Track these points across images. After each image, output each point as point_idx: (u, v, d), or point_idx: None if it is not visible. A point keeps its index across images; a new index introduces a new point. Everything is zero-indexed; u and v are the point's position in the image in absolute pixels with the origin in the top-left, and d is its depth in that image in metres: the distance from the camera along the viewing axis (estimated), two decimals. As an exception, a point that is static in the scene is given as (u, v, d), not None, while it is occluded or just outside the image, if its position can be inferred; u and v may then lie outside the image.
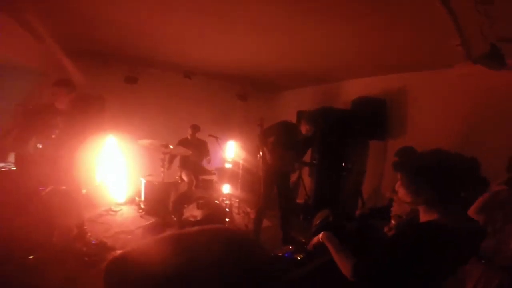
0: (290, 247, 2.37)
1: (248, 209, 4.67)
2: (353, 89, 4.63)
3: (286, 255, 2.12)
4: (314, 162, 4.57)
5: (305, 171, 5.00)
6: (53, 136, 2.87)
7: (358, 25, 2.77)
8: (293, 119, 4.74)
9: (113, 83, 4.75)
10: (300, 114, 5.10)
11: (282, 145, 3.46)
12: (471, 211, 1.88)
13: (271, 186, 3.57)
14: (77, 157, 3.16)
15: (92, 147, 3.71)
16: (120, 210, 4.32)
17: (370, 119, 3.98)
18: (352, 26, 2.81)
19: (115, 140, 4.71)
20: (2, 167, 2.94)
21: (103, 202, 4.36)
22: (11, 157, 2.97)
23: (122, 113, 4.71)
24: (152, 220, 3.89)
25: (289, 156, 3.52)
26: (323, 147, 4.32)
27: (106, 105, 4.46)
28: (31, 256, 2.49)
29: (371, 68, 4.13)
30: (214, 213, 3.74)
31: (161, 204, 4.03)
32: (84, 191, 3.40)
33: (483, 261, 1.87)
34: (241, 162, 4.63)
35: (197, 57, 4.37)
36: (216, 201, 3.99)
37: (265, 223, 3.60)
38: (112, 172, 4.68)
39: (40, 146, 2.90)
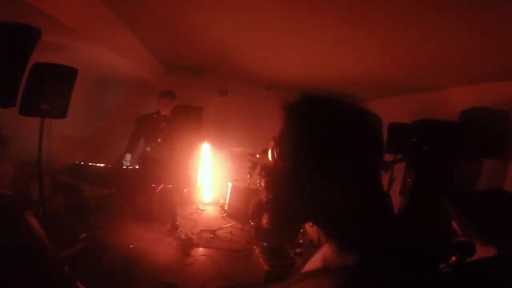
0: None
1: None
2: (460, 98, 3.87)
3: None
4: (408, 180, 4.00)
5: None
6: (159, 140, 3.42)
7: (467, 23, 2.32)
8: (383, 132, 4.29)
9: (208, 96, 5.33)
10: (392, 127, 4.58)
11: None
12: None
13: None
14: (181, 159, 3.67)
15: (192, 151, 4.26)
16: (206, 209, 4.78)
17: (486, 134, 3.22)
18: (454, 25, 2.38)
19: (208, 146, 5.26)
20: (129, 166, 3.59)
21: (194, 201, 4.93)
22: (127, 157, 3.59)
23: (215, 123, 5.25)
24: (231, 222, 4.16)
25: None
26: (421, 164, 3.73)
27: (203, 115, 5.12)
28: (132, 246, 2.82)
29: (483, 73, 3.37)
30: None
31: (242, 208, 4.26)
32: (185, 190, 3.89)
33: None
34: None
35: (279, 70, 4.50)
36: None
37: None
38: (203, 174, 5.24)
39: (149, 149, 3.51)
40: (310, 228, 4.29)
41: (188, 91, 4.85)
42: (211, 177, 5.29)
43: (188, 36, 3.48)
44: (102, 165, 3.92)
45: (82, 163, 3.86)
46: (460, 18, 2.24)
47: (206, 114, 5.15)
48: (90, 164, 3.93)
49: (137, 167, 3.80)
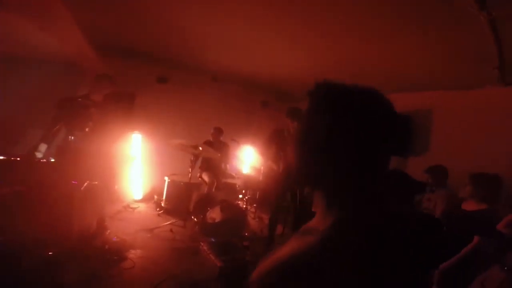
0: None
1: (263, 215, 4.58)
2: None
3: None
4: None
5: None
6: (87, 129, 2.86)
7: (392, 45, 2.77)
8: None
9: (146, 83, 4.79)
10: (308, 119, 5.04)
11: (283, 150, 3.42)
12: (500, 226, 1.99)
13: (282, 193, 3.51)
14: (110, 151, 3.16)
15: (123, 143, 3.72)
16: (138, 207, 4.28)
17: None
18: (383, 44, 2.80)
19: (140, 137, 4.70)
20: (42, 158, 2.91)
21: (122, 198, 4.33)
22: (41, 148, 2.93)
23: (151, 112, 4.73)
24: (170, 219, 3.82)
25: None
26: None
27: (136, 102, 4.52)
28: (50, 252, 2.41)
29: (396, 85, 4.07)
30: (234, 216, 3.67)
31: (182, 204, 3.96)
32: (116, 187, 3.37)
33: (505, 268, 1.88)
34: (261, 168, 4.56)
35: (225, 62, 4.39)
36: (239, 206, 3.91)
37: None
38: (134, 168, 4.65)
39: (72, 139, 2.90)
40: (253, 221, 4.32)
41: (124, 77, 4.25)
42: (143, 171, 4.75)
43: (127, 15, 3.04)
44: (2, 157, 3.05)
45: None
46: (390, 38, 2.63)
47: (141, 102, 4.59)
48: None
49: (52, 160, 3.09)
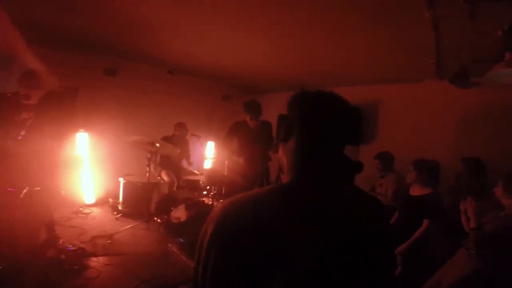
0: None
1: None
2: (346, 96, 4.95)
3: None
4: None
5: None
6: (20, 137, 2.49)
7: (346, 41, 2.98)
8: (274, 121, 4.81)
9: (91, 76, 4.32)
10: (280, 118, 5.19)
11: (246, 143, 3.51)
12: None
13: (251, 186, 3.58)
14: (51, 153, 2.80)
15: (66, 142, 3.32)
16: (91, 212, 3.90)
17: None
18: (338, 40, 3.02)
19: (87, 135, 4.25)
20: None
21: (69, 203, 3.88)
22: None
23: (99, 107, 4.29)
24: (131, 222, 3.57)
25: (258, 151, 3.58)
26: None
27: (80, 96, 4.05)
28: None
29: (346, 78, 4.41)
30: (201, 214, 3.60)
31: (141, 206, 3.72)
32: (62, 192, 3.00)
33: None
34: (226, 163, 4.54)
35: (182, 54, 4.18)
36: (205, 202, 3.83)
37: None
38: (81, 170, 4.20)
39: (9, 141, 2.49)
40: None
41: (66, 70, 3.76)
42: (94, 173, 4.32)
43: (69, 6, 2.69)
44: None
45: None
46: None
47: (86, 96, 4.14)
48: None
49: None
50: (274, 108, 5.13)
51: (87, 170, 4.29)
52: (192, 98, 5.54)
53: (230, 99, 5.99)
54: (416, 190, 2.70)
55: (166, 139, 4.26)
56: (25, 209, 2.54)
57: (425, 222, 2.47)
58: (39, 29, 3.45)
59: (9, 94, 2.60)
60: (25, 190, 2.53)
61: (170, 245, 2.95)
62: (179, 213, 3.56)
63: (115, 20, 3.09)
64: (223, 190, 4.69)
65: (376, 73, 4.06)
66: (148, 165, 3.79)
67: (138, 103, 4.80)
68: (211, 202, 4.34)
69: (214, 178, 4.69)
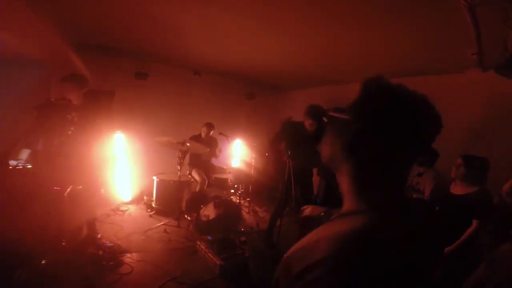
0: None
1: (257, 208, 4.59)
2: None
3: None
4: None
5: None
6: (70, 132, 2.70)
7: (372, 32, 2.81)
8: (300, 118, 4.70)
9: (124, 79, 4.56)
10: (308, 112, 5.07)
11: (294, 145, 3.39)
12: (505, 188, 2.11)
13: (289, 186, 3.49)
14: (94, 154, 3.01)
15: (106, 144, 3.54)
16: (128, 209, 4.14)
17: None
18: (364, 32, 2.85)
19: (123, 137, 4.51)
20: (17, 165, 2.73)
21: (108, 201, 4.16)
22: (23, 154, 2.76)
23: (132, 109, 4.53)
24: (163, 219, 3.73)
25: (305, 154, 3.45)
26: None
27: (115, 100, 4.31)
28: (43, 261, 2.32)
29: (381, 71, 4.13)
30: (229, 212, 3.65)
31: (173, 204, 3.86)
32: (102, 190, 3.22)
33: None
34: (252, 161, 4.55)
35: (207, 55, 4.26)
36: (232, 200, 3.88)
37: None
38: (119, 170, 4.48)
39: (55, 144, 2.73)
40: (247, 216, 4.31)
41: (100, 74, 4.01)
42: (130, 172, 4.58)
43: (99, 9, 2.85)
44: None
45: None
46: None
47: (121, 99, 4.38)
48: None
49: (29, 166, 2.90)
50: (298, 106, 5.05)
51: (123, 169, 4.56)
52: (218, 98, 5.63)
53: (254, 97, 5.98)
54: (459, 188, 2.47)
55: (195, 139, 4.36)
56: (69, 207, 2.77)
57: (475, 223, 2.25)
58: (76, 35, 3.71)
59: (60, 102, 2.83)
60: (69, 189, 2.75)
61: (198, 242, 3.02)
62: (208, 211, 3.64)
63: (145, 25, 3.23)
64: (250, 189, 4.72)
65: (411, 65, 3.77)
66: (179, 164, 3.90)
67: (168, 104, 4.98)
68: (238, 201, 4.40)
69: (241, 177, 4.73)
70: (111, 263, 2.56)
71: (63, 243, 2.66)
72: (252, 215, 4.34)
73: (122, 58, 4.50)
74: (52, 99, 2.82)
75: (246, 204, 4.62)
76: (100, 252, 2.67)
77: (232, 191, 4.65)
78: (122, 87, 4.46)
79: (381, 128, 0.56)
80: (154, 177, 4.24)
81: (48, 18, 3.05)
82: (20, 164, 2.80)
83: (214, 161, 4.80)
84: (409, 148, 0.58)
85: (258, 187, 4.83)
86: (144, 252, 2.85)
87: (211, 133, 4.58)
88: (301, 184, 3.52)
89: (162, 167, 4.55)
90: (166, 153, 4.53)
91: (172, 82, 5.07)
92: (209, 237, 3.10)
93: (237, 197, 4.48)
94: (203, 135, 4.54)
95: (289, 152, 3.39)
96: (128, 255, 2.77)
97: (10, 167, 2.76)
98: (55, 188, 2.75)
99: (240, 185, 4.60)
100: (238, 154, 5.40)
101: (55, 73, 3.72)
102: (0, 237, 2.24)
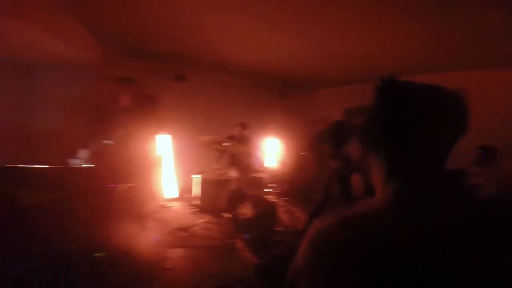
0: None
1: (293, 208, 4.58)
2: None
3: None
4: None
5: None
6: (120, 133, 2.97)
7: (417, 27, 2.61)
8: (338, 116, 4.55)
9: (163, 82, 4.86)
10: (349, 112, 4.86)
11: (338, 145, 3.28)
12: None
13: (329, 187, 3.43)
14: (143, 154, 3.27)
15: (152, 145, 3.84)
16: (173, 206, 4.44)
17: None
18: (397, 28, 2.67)
19: (167, 137, 4.82)
20: (79, 164, 3.06)
21: (156, 198, 4.50)
22: (82, 154, 3.08)
23: (172, 111, 4.82)
24: (204, 217, 3.93)
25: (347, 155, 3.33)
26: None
27: (157, 103, 4.63)
28: (100, 254, 2.56)
29: (423, 66, 3.84)
30: (265, 211, 3.70)
31: (213, 202, 4.05)
32: (150, 188, 3.50)
33: None
34: (288, 160, 4.55)
35: (241, 56, 4.35)
36: (269, 199, 3.92)
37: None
38: (165, 168, 4.81)
39: (108, 143, 3.02)
40: (283, 215, 4.33)
41: (142, 77, 4.34)
42: (174, 171, 4.89)
43: (137, 16, 3.06)
44: (42, 166, 3.24)
45: (15, 165, 3.13)
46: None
47: (162, 101, 4.69)
48: (25, 166, 3.22)
49: (90, 165, 3.26)
50: (332, 105, 4.90)
51: (168, 168, 4.89)
52: (252, 97, 5.73)
53: (286, 96, 5.94)
54: None
55: (231, 138, 4.49)
56: (121, 203, 3.06)
57: None
58: (119, 42, 4.06)
59: (111, 105, 3.13)
60: (121, 186, 3.04)
61: (236, 240, 3.13)
62: (246, 210, 3.74)
63: (180, 30, 3.41)
64: (286, 188, 4.73)
65: (455, 59, 3.44)
66: (218, 163, 4.06)
67: (206, 105, 5.21)
68: (274, 200, 4.43)
69: (276, 176, 4.76)
70: (157, 257, 2.76)
71: (116, 238, 2.95)
72: (288, 215, 4.34)
73: (161, 63, 4.79)
74: (104, 103, 3.13)
75: (282, 203, 4.64)
76: (148, 247, 2.92)
77: (268, 190, 4.70)
78: (162, 90, 4.76)
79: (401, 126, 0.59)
80: (196, 176, 4.47)
81: (93, 26, 3.38)
82: (81, 164, 3.14)
83: (250, 160, 4.89)
84: (433, 139, 0.58)
85: (295, 187, 4.82)
86: (185, 248, 3.05)
87: (246, 132, 4.67)
88: (341, 184, 3.44)
89: (204, 166, 4.78)
90: (207, 153, 4.74)
91: (207, 83, 5.29)
92: (247, 236, 3.20)
93: (273, 197, 4.53)
94: (237, 134, 4.65)
95: (332, 152, 3.32)
96: (171, 250, 2.98)
97: (73, 166, 3.12)
98: (108, 185, 3.06)
99: (276, 184, 4.63)
100: (274, 153, 5.43)
101: (103, 77, 4.15)
102: (64, 232, 2.57)
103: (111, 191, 3.01)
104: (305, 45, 3.56)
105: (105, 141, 3.08)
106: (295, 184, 4.89)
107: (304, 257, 0.55)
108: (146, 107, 4.25)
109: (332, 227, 0.55)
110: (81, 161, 3.13)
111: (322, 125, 3.94)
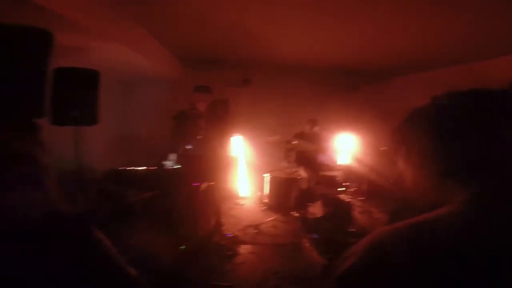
0: None
1: (372, 208, 4.13)
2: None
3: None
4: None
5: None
6: (199, 137, 3.27)
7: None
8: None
9: (231, 87, 5.15)
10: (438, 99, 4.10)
11: None
12: None
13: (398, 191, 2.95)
14: (220, 155, 3.51)
15: (228, 146, 4.10)
16: (245, 204, 4.62)
17: None
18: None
19: (241, 138, 5.08)
20: (170, 166, 3.45)
21: (231, 195, 4.77)
22: (172, 157, 3.48)
23: (242, 114, 5.04)
24: (273, 215, 3.94)
25: None
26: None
27: (230, 107, 4.92)
28: (183, 247, 2.78)
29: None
30: (337, 211, 3.46)
31: (283, 200, 4.03)
32: (228, 186, 3.71)
33: None
34: (365, 157, 4.14)
35: (305, 53, 4.23)
36: (342, 199, 3.66)
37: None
38: (239, 168, 5.06)
39: (190, 147, 3.36)
40: (360, 216, 3.97)
41: (211, 85, 4.69)
42: (246, 170, 5.10)
43: (204, 27, 3.29)
44: (143, 168, 3.84)
45: (121, 168, 3.80)
46: None
47: (233, 105, 4.95)
48: (130, 168, 3.86)
49: (178, 166, 3.66)
50: (412, 94, 4.23)
51: (241, 167, 5.13)
52: (319, 93, 5.48)
53: (359, 89, 5.40)
54: None
55: (300, 136, 4.38)
56: (203, 200, 3.33)
57: None
58: (191, 53, 4.48)
59: (191, 111, 3.49)
60: (204, 184, 3.32)
61: (303, 239, 3.02)
62: (315, 209, 3.59)
63: (246, 37, 3.55)
64: (363, 187, 4.30)
65: None
66: (288, 162, 4.02)
67: (273, 105, 5.25)
68: (349, 199, 4.09)
69: (351, 175, 4.38)
70: (229, 252, 2.89)
71: (198, 232, 3.22)
72: (366, 216, 3.94)
73: (230, 69, 5.08)
74: (185, 110, 3.48)
75: (359, 203, 4.25)
76: (223, 242, 3.07)
77: (342, 189, 4.37)
78: (233, 94, 5.02)
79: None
80: (266, 174, 4.55)
81: (172, 45, 3.83)
82: (171, 165, 3.56)
83: (321, 158, 4.66)
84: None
85: (374, 186, 4.34)
86: (255, 245, 3.12)
87: (315, 129, 4.47)
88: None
89: (273, 165, 4.83)
90: (276, 152, 4.77)
91: (273, 84, 5.35)
92: (315, 236, 3.05)
93: (348, 196, 4.19)
94: (307, 131, 4.49)
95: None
96: (243, 246, 3.09)
97: (166, 168, 3.56)
98: (193, 184, 3.37)
99: (351, 183, 4.27)
100: (348, 150, 5.03)
101: (181, 87, 4.65)
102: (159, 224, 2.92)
103: (195, 189, 3.30)
104: (378, 31, 3.20)
105: (188, 145, 3.40)
106: (374, 182, 4.41)
107: (366, 256, 0.52)
108: (221, 111, 4.57)
109: (405, 228, 0.52)
110: (171, 163, 3.54)
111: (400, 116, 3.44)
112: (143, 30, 3.32)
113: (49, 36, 1.84)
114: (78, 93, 2.41)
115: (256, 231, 3.51)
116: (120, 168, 3.82)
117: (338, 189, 4.31)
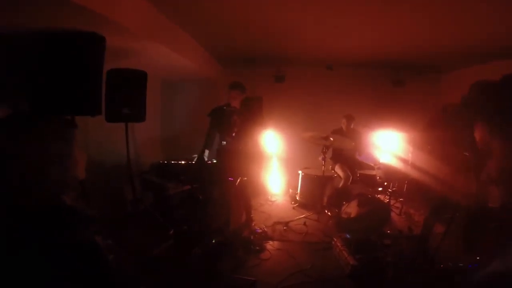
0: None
1: (412, 211, 3.89)
2: None
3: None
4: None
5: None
6: (233, 134, 3.40)
7: None
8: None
9: (265, 84, 5.21)
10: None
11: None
12: None
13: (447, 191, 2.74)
14: (253, 151, 3.60)
15: (261, 142, 4.18)
16: (276, 200, 4.63)
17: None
18: None
19: (274, 135, 5.13)
20: (209, 160, 3.61)
21: (263, 191, 4.81)
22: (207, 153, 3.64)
23: (276, 110, 5.08)
24: (304, 212, 3.93)
25: None
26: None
27: (263, 103, 4.99)
28: (214, 241, 2.86)
29: None
30: (374, 211, 3.35)
31: (315, 198, 4.00)
32: (260, 181, 3.79)
33: None
34: (408, 156, 3.90)
35: (341, 48, 4.08)
36: (380, 199, 3.53)
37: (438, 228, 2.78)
38: (272, 164, 5.11)
39: (224, 143, 3.51)
40: (397, 217, 3.79)
41: (245, 82, 4.82)
42: (279, 166, 5.14)
43: (239, 27, 3.39)
44: (183, 162, 4.09)
45: (165, 162, 4.09)
46: None
47: (266, 102, 5.01)
48: (172, 162, 4.12)
49: (214, 161, 3.81)
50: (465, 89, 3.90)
51: (275, 163, 5.16)
52: (356, 89, 5.27)
53: (403, 84, 5.06)
54: None
55: (337, 132, 4.26)
56: (237, 195, 3.46)
57: None
58: (227, 53, 4.61)
59: (225, 108, 3.64)
60: (238, 180, 3.44)
61: (335, 239, 2.98)
62: (350, 209, 3.50)
63: (280, 34, 3.58)
64: (404, 188, 4.08)
65: None
66: (323, 159, 3.95)
67: (306, 102, 5.21)
68: (388, 200, 3.92)
69: (392, 174, 4.15)
70: (257, 248, 2.92)
71: (231, 226, 3.32)
72: (404, 218, 3.73)
73: (261, 66, 5.14)
74: (220, 106, 3.64)
75: (398, 205, 4.03)
76: (252, 237, 3.11)
77: (380, 189, 4.18)
78: (266, 92, 5.07)
79: None
80: (300, 171, 4.53)
81: (210, 46, 4.01)
82: (208, 160, 3.73)
83: (358, 156, 4.50)
84: None
85: (416, 187, 4.07)
86: (283, 241, 3.12)
87: (352, 125, 4.33)
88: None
89: (308, 162, 4.77)
90: (311, 149, 4.71)
91: (307, 80, 5.29)
92: (347, 235, 2.99)
93: (387, 196, 4.00)
94: (343, 128, 4.37)
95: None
96: (271, 242, 3.09)
97: (204, 162, 3.74)
98: (229, 179, 3.51)
99: (391, 183, 4.06)
100: (389, 148, 4.76)
101: (218, 85, 4.85)
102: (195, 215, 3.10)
103: (230, 183, 3.44)
104: (428, 23, 2.99)
105: (224, 141, 3.55)
106: (418, 183, 4.14)
107: None
108: (255, 108, 4.65)
109: None
110: (207, 158, 3.72)
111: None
112: (186, 34, 3.53)
113: (100, 40, 2.10)
114: (129, 92, 2.68)
115: (285, 228, 3.50)
116: (161, 162, 4.13)
117: (377, 189, 4.14)
